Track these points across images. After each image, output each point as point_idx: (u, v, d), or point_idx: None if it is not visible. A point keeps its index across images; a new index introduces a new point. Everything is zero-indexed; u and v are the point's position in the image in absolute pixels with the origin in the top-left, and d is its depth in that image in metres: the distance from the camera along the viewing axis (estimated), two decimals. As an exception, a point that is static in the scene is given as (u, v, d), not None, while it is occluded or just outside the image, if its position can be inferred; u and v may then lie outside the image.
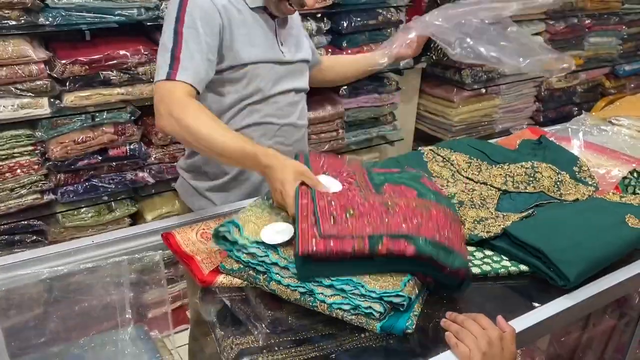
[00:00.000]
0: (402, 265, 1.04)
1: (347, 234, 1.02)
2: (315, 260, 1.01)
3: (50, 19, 2.05)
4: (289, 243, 1.09)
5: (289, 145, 1.65)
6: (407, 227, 1.04)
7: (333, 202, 1.09)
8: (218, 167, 1.62)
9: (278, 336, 1.06)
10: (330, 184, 1.18)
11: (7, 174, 2.13)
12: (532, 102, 3.79)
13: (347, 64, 1.96)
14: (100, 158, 2.28)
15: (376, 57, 1.83)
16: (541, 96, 3.78)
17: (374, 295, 0.99)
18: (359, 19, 2.79)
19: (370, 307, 0.99)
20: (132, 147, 2.33)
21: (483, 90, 3.47)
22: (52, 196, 2.26)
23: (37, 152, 2.19)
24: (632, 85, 4.21)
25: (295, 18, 1.69)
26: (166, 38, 1.39)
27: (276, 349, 1.04)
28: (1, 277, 1.10)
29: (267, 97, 1.57)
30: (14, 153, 2.13)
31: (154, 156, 2.41)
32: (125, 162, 2.36)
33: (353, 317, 1.01)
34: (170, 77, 1.34)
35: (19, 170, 2.16)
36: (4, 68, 2.00)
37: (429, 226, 1.06)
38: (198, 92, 1.39)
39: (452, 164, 1.59)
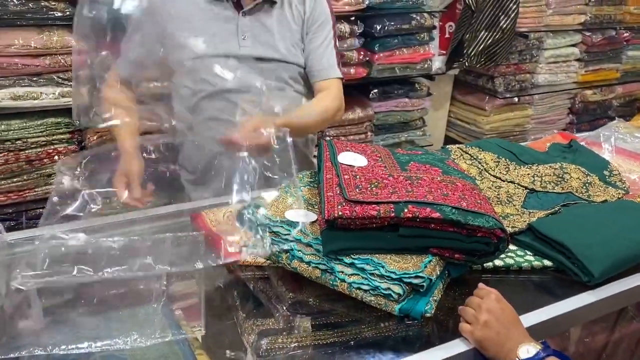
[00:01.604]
0: (432, 240, 1.04)
1: (372, 200, 1.03)
2: (341, 228, 1.03)
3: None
4: (312, 223, 1.11)
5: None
6: (432, 197, 1.05)
7: (357, 176, 1.11)
8: (189, 160, 1.64)
9: (298, 319, 1.08)
10: (355, 159, 1.20)
11: (45, 160, 2.22)
12: (565, 114, 3.74)
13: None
14: (134, 148, 2.35)
15: None
16: (575, 108, 3.73)
17: (393, 276, 1.00)
18: (392, 23, 2.81)
19: (389, 289, 1.00)
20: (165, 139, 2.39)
21: (515, 100, 3.45)
22: (86, 183, 2.34)
23: (74, 140, 2.27)
24: (670, 100, 4.11)
25: (282, 20, 1.58)
26: None
27: (295, 332, 1.06)
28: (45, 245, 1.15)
29: (219, 92, 1.54)
30: (52, 140, 2.22)
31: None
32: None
33: (372, 297, 1.02)
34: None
35: (56, 157, 2.24)
36: (48, 57, 2.09)
37: (455, 196, 1.07)
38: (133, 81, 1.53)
39: (479, 162, 1.59)
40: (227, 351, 1.01)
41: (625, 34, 3.68)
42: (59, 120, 2.21)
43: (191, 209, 1.41)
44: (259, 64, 1.56)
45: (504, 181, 1.52)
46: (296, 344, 1.01)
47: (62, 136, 2.23)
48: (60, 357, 0.93)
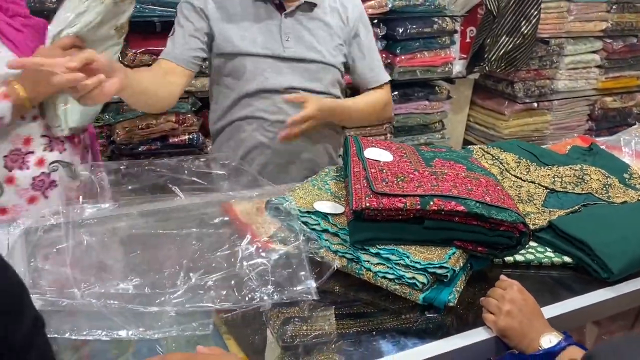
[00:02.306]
0: (455, 232, 1.07)
1: (399, 193, 1.07)
2: (368, 219, 1.06)
3: (125, 11, 2.20)
4: (339, 215, 1.15)
5: (285, 143, 1.59)
6: (457, 191, 1.08)
7: (384, 170, 1.15)
8: (227, 149, 1.66)
9: (324, 308, 1.11)
10: (381, 154, 1.24)
11: (75, 153, 2.28)
12: (584, 121, 3.74)
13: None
14: (160, 144, 2.42)
15: None
16: (594, 115, 3.72)
17: (418, 266, 1.03)
18: (414, 26, 2.85)
19: (414, 278, 1.03)
20: (190, 136, 2.46)
21: (535, 105, 3.46)
22: (113, 177, 2.40)
23: (103, 134, 2.33)
24: (692, 109, 4.08)
25: (323, 23, 1.61)
26: None
27: (320, 320, 1.09)
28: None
29: (261, 91, 1.57)
30: (82, 134, 2.28)
31: (210, 147, 2.52)
32: (183, 150, 2.48)
33: (397, 286, 1.06)
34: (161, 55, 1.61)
35: (85, 151, 2.30)
36: (81, 54, 2.15)
37: (479, 191, 1.10)
38: (185, 66, 1.56)
39: (500, 162, 1.62)
40: (253, 338, 1.04)
41: (646, 42, 3.67)
42: (90, 115, 2.27)
43: (220, 200, 1.45)
44: (301, 65, 1.59)
45: (524, 181, 1.54)
46: (320, 332, 1.04)
47: (91, 130, 2.30)
48: (96, 341, 0.96)
